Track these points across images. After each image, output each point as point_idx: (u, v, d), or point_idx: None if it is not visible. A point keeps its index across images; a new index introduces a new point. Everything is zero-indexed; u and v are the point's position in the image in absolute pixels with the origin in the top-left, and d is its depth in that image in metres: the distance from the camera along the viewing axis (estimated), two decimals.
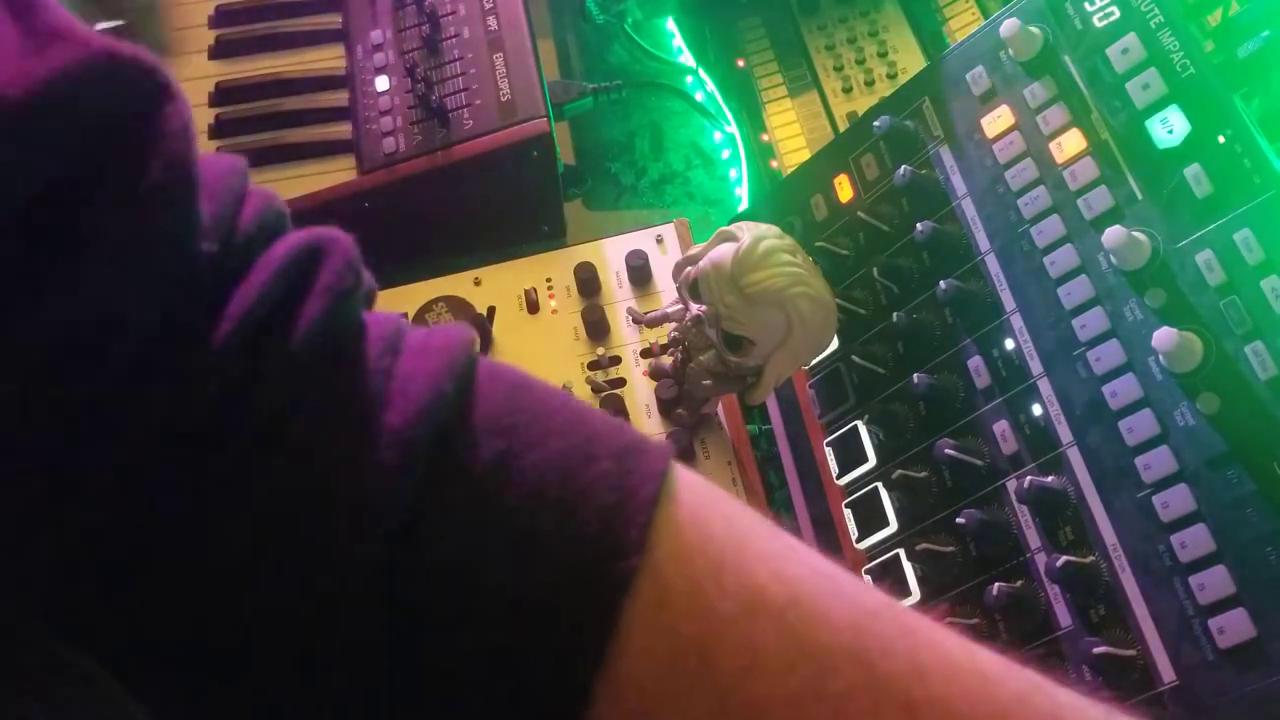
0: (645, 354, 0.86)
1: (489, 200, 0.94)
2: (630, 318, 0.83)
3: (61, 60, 0.27)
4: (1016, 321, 0.69)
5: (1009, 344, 0.69)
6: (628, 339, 0.86)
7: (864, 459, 0.75)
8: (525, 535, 0.29)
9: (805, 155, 1.00)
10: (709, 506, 0.31)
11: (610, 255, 0.90)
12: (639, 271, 0.88)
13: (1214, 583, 0.56)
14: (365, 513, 0.29)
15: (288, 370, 0.29)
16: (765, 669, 0.29)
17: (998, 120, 0.72)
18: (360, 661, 0.29)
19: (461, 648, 0.29)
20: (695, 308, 0.70)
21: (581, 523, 0.29)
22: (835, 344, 0.78)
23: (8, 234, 0.26)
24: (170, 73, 0.29)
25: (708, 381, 0.73)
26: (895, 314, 0.74)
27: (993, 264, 0.71)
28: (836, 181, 0.83)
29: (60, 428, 0.27)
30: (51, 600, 0.29)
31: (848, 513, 0.76)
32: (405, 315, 0.88)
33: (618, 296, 0.88)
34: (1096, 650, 0.59)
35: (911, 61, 1.03)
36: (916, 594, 0.70)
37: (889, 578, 0.71)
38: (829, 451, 0.78)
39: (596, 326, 0.86)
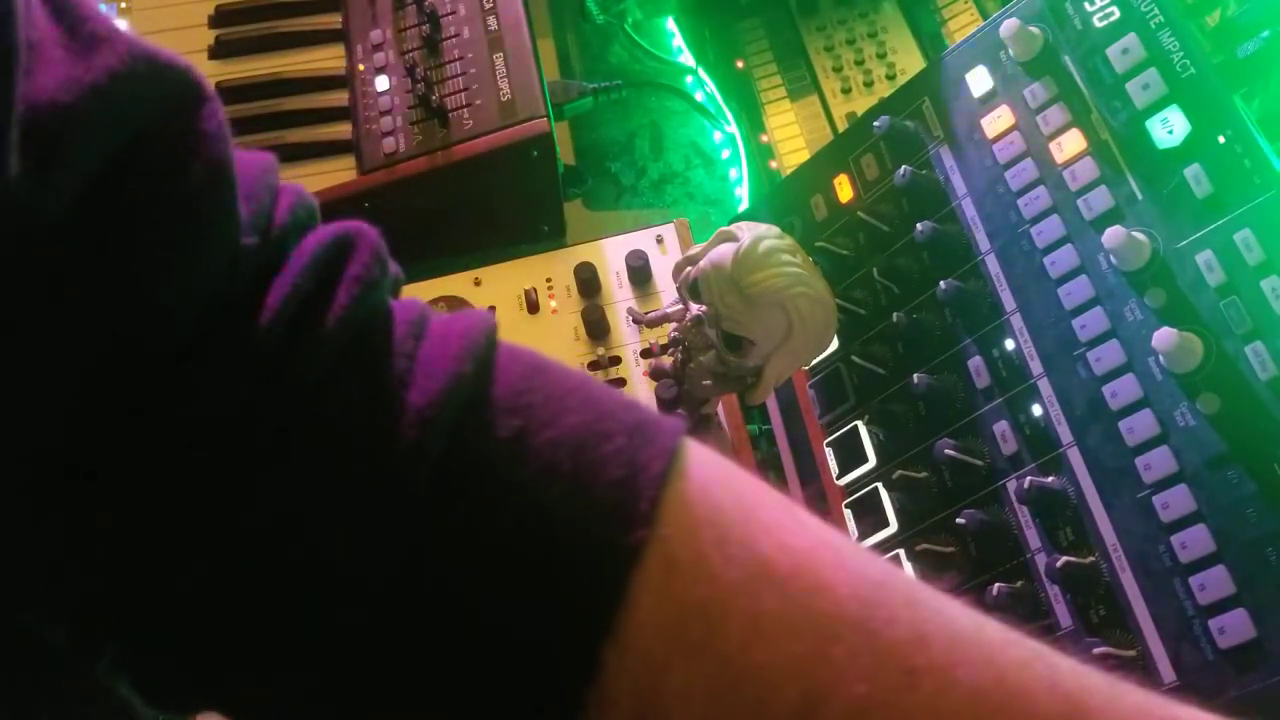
0: (645, 354, 0.86)
1: (489, 200, 0.94)
2: (630, 318, 0.83)
3: (107, 65, 0.28)
4: (1016, 321, 0.69)
5: (1009, 344, 0.69)
6: (628, 339, 0.86)
7: (864, 459, 0.75)
8: (539, 508, 0.30)
9: (804, 156, 1.00)
10: (719, 480, 0.32)
11: (610, 255, 0.90)
12: (639, 271, 0.88)
13: (1214, 583, 0.56)
14: (389, 486, 0.30)
15: (319, 355, 0.30)
16: (768, 635, 0.29)
17: (998, 120, 0.72)
18: (377, 633, 0.30)
19: (473, 619, 0.30)
20: (695, 308, 0.70)
21: (593, 497, 0.30)
22: (835, 344, 0.78)
23: (59, 231, 0.27)
24: (203, 75, 0.31)
25: (708, 381, 0.73)
26: (895, 314, 0.74)
27: (993, 264, 0.71)
28: (836, 181, 0.83)
29: (105, 411, 0.29)
30: (71, 587, 0.30)
31: (848, 513, 0.76)
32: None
33: (618, 296, 0.88)
34: (1096, 651, 0.59)
35: (910, 62, 1.03)
36: None
37: None
38: (829, 451, 0.78)
39: (596, 326, 0.86)
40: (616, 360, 0.86)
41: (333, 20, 1.01)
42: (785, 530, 0.31)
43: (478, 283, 0.90)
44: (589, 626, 0.29)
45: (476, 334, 0.32)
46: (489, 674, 0.30)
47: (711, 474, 0.32)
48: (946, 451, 0.68)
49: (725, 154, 1.07)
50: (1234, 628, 0.55)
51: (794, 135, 1.03)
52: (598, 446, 0.31)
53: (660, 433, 0.32)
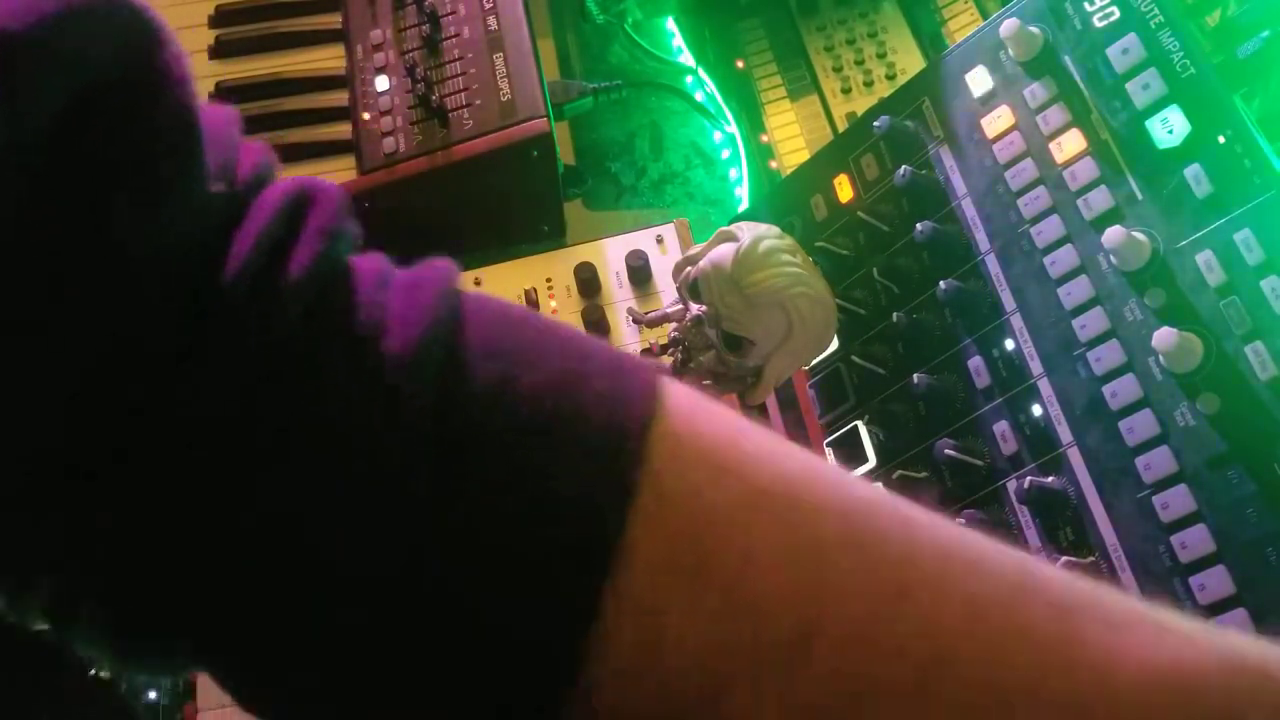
0: (645, 354, 0.86)
1: (489, 200, 0.94)
2: (630, 318, 0.83)
3: None
4: (1016, 321, 0.69)
5: (1009, 344, 0.69)
6: (628, 339, 0.86)
7: (864, 459, 0.75)
8: (527, 456, 0.30)
9: (804, 156, 1.00)
10: (701, 414, 0.32)
11: (610, 255, 0.90)
12: (639, 271, 0.88)
13: (1214, 583, 0.56)
14: (373, 440, 0.30)
15: (287, 307, 0.30)
16: (763, 564, 0.29)
17: (998, 120, 0.72)
18: (367, 594, 0.30)
19: (467, 574, 0.30)
20: (695, 308, 0.70)
21: (581, 440, 0.30)
22: (835, 344, 0.78)
23: (20, 174, 0.27)
24: (163, 18, 0.30)
25: (708, 382, 0.73)
26: (895, 314, 0.74)
27: (993, 264, 0.71)
28: (836, 181, 0.83)
29: (105, 411, 0.28)
30: (72, 587, 0.30)
31: None
32: None
33: (618, 296, 0.88)
34: None
35: (910, 62, 1.03)
36: None
37: None
38: (829, 451, 0.78)
39: (596, 326, 0.86)
40: None
41: (333, 20, 1.01)
42: (772, 458, 0.32)
43: (478, 283, 0.90)
44: (587, 571, 0.29)
45: (445, 281, 0.32)
46: (489, 659, 0.30)
47: (693, 407, 0.32)
48: (946, 451, 0.69)
49: (725, 154, 1.07)
50: (1234, 628, 0.55)
51: (794, 135, 1.03)
52: (580, 389, 0.31)
53: (640, 371, 0.32)
